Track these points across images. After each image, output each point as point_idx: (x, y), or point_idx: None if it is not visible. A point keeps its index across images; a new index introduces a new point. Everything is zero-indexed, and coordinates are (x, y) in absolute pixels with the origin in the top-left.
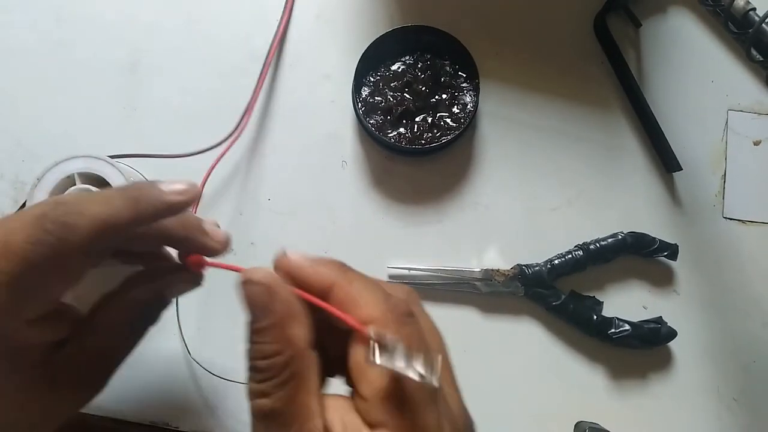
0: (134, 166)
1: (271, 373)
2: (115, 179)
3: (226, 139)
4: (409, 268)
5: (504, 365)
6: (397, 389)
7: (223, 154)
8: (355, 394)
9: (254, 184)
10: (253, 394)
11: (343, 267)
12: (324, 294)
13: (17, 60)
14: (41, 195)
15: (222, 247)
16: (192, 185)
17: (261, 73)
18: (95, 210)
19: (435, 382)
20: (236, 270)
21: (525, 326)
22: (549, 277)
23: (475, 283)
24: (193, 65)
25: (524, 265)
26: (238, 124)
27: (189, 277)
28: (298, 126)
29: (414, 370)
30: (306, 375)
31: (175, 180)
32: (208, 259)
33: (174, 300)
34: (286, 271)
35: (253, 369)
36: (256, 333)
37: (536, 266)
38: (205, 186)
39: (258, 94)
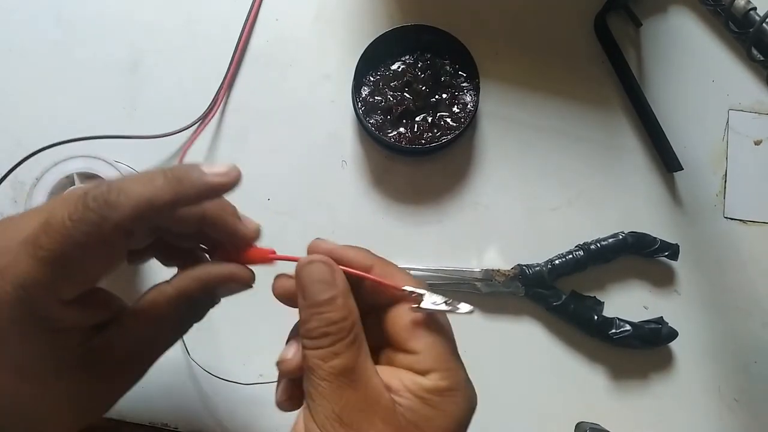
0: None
1: (341, 335)
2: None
3: (195, 123)
4: (409, 269)
5: (504, 366)
6: (442, 340)
7: (194, 138)
8: (400, 354)
9: (254, 184)
10: (325, 359)
11: (372, 253)
12: (366, 272)
13: (17, 60)
14: (40, 195)
15: (255, 235)
16: (233, 168)
17: (230, 64)
18: (138, 189)
19: (466, 309)
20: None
21: (525, 326)
22: (549, 277)
23: (476, 283)
24: (193, 65)
25: (525, 265)
26: (210, 108)
27: (242, 277)
28: (298, 126)
29: (446, 305)
30: (363, 340)
31: (216, 163)
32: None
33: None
34: (327, 254)
35: (321, 336)
36: (322, 305)
37: (537, 266)
38: None
39: (226, 83)
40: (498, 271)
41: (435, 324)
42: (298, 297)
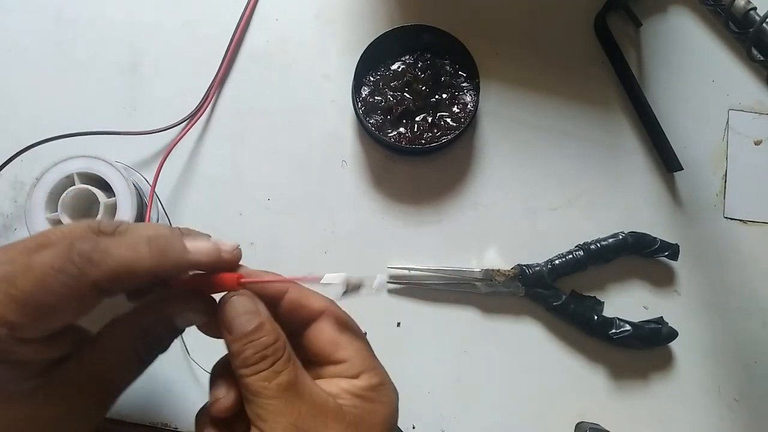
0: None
1: (278, 354)
2: (114, 179)
3: (185, 120)
4: (409, 268)
5: (504, 365)
6: (362, 345)
7: (181, 137)
8: (329, 367)
9: (254, 184)
10: (269, 379)
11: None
12: (281, 294)
13: (17, 60)
14: (40, 194)
15: (235, 258)
16: (216, 250)
17: (221, 64)
18: (122, 253)
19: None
20: (284, 281)
21: (525, 326)
22: (549, 278)
23: (476, 283)
24: (192, 65)
25: (525, 265)
26: (199, 107)
27: (200, 306)
28: (298, 126)
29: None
30: (295, 356)
31: (203, 236)
32: (245, 274)
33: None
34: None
35: (260, 360)
36: (252, 333)
37: (537, 266)
38: (205, 185)
39: (217, 81)
40: (498, 271)
41: (353, 332)
42: (224, 333)
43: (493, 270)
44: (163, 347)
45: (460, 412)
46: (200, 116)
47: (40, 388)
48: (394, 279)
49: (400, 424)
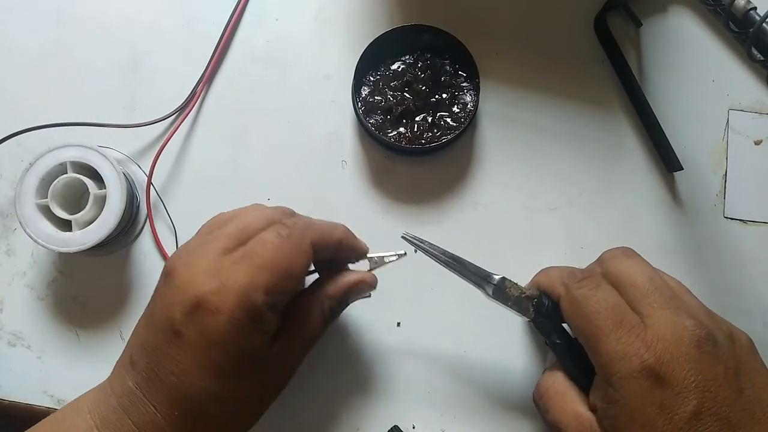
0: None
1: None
2: (106, 170)
3: (173, 114)
4: (423, 241)
5: (504, 367)
6: None
7: (175, 129)
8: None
9: (254, 183)
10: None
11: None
12: None
13: (17, 60)
14: (32, 180)
15: (368, 249)
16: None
17: (210, 59)
18: (320, 223)
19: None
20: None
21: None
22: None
23: (485, 285)
24: (193, 66)
25: (546, 296)
26: (188, 101)
27: (366, 285)
28: (298, 126)
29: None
30: None
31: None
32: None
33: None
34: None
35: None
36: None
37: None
38: (205, 185)
39: (206, 77)
40: (516, 284)
41: None
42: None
43: (510, 281)
44: (335, 318)
45: (460, 412)
46: (191, 110)
47: (273, 356)
48: (411, 237)
49: (400, 424)
